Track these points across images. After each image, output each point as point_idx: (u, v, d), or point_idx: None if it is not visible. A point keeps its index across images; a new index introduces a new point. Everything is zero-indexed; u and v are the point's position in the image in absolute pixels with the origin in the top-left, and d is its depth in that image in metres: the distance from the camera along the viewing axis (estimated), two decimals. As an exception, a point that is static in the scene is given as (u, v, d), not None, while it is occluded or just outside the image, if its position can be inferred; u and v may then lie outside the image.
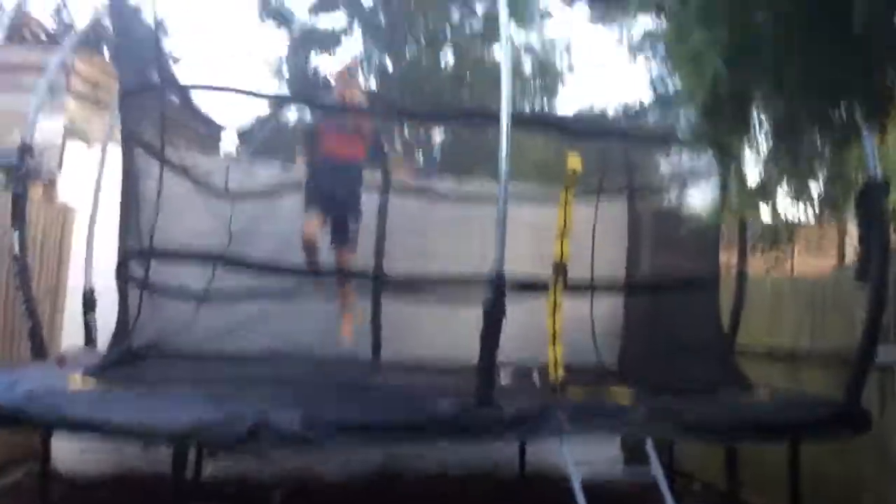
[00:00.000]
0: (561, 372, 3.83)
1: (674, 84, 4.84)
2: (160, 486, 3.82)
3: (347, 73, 4.92)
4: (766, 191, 3.61)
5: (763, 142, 3.28)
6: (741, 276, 5.05)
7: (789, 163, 3.16)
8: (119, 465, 5.10)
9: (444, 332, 5.75)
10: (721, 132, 3.06)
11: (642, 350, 5.34)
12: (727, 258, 5.58)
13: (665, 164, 6.54)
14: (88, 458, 5.01)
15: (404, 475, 5.53)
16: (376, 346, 5.43)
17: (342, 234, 4.99)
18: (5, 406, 2.97)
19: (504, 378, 4.02)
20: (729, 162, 3.49)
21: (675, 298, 5.01)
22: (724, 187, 5.16)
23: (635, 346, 5.47)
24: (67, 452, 4.61)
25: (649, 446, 3.66)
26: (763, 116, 3.09)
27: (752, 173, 3.66)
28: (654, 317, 5.34)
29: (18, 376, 3.28)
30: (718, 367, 4.62)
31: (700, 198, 6.25)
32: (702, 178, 5.54)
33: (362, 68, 10.57)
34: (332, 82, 4.93)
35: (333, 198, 4.93)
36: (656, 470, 3.58)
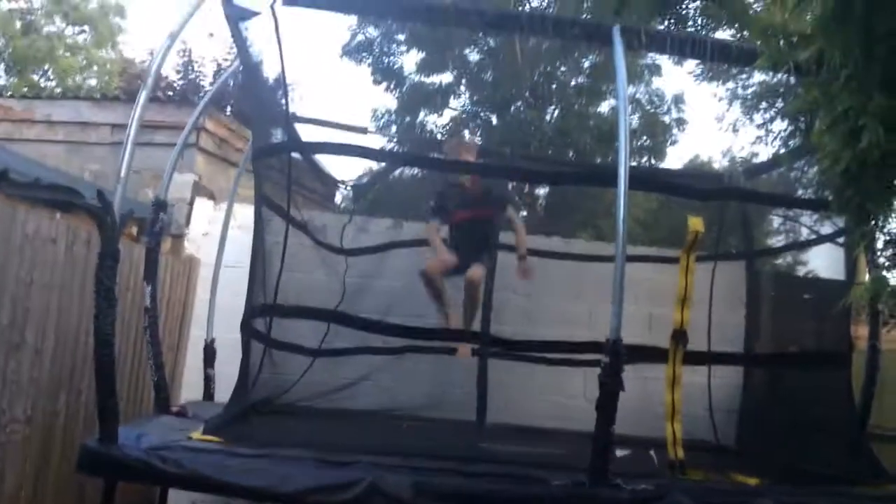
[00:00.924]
0: (681, 451, 3.63)
1: (803, 142, 4.65)
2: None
3: (463, 149, 4.89)
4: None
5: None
6: (873, 349, 4.68)
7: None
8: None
9: (552, 396, 5.67)
10: (866, 198, 2.89)
11: (763, 428, 5.01)
12: (856, 329, 5.23)
13: (786, 225, 6.27)
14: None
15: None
16: (481, 410, 5.36)
17: (475, 260, 4.74)
18: (131, 460, 3.08)
19: (619, 454, 3.85)
20: (869, 228, 3.29)
21: (802, 373, 4.69)
22: (854, 253, 4.91)
23: (755, 423, 5.16)
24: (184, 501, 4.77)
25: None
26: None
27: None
28: (775, 392, 5.03)
29: (142, 430, 3.41)
30: (849, 452, 4.26)
31: (825, 263, 5.94)
32: (828, 241, 5.26)
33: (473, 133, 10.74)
34: (449, 152, 4.93)
35: (468, 247, 4.79)
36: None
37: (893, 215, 3.16)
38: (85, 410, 4.33)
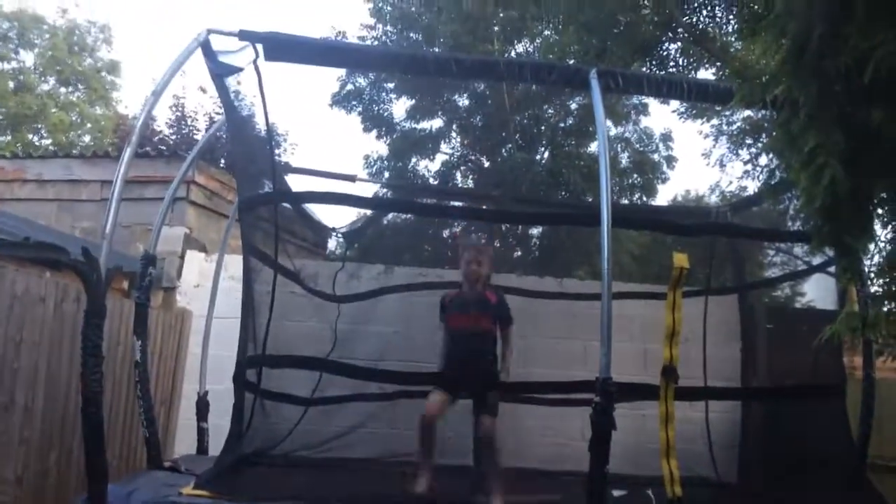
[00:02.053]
0: (678, 489, 3.58)
1: (784, 177, 4.71)
2: None
3: (477, 252, 4.48)
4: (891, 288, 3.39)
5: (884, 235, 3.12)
6: (868, 379, 4.65)
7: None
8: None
9: (552, 438, 5.62)
10: (843, 232, 2.92)
11: (763, 463, 4.95)
12: (850, 359, 5.20)
13: (776, 258, 6.30)
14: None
15: None
16: (477, 457, 5.29)
17: (482, 404, 4.17)
18: (122, 518, 3.04)
19: (616, 494, 3.80)
20: (851, 261, 3.31)
21: (797, 405, 4.66)
22: (844, 285, 4.91)
23: (755, 458, 5.10)
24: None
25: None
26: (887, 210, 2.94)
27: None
28: (774, 425, 4.98)
29: (133, 487, 3.37)
30: (849, 484, 4.21)
31: (817, 293, 5.95)
32: (817, 272, 5.29)
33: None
34: (463, 252, 4.63)
35: (466, 374, 4.33)
36: None
37: (872, 246, 3.17)
38: (77, 469, 4.27)
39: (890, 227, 3.08)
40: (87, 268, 3.02)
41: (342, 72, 11.75)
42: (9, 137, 16.41)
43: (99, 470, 3.10)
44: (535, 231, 11.67)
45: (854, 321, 3.00)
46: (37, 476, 4.03)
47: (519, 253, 11.80)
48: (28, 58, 17.89)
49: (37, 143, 16.78)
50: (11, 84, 17.02)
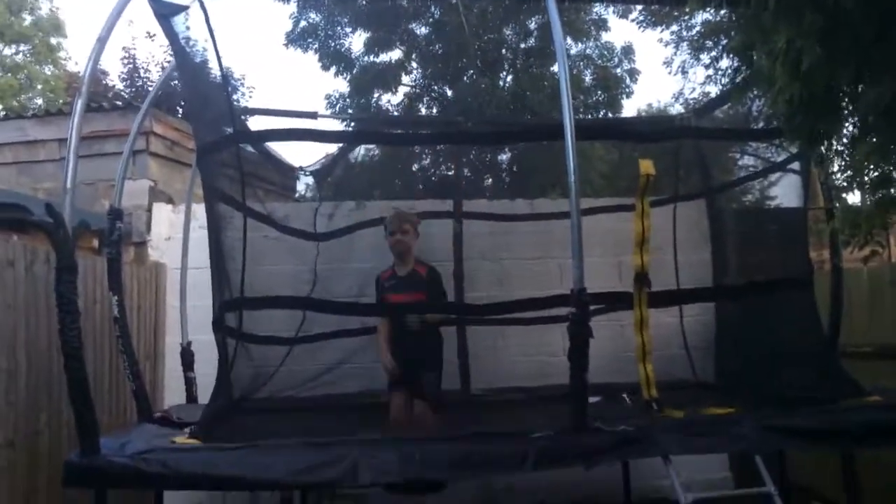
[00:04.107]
0: (654, 390, 3.70)
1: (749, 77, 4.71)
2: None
3: (402, 218, 4.64)
4: (856, 178, 3.44)
5: (852, 128, 3.15)
6: (837, 270, 4.77)
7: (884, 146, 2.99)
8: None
9: (535, 357, 5.74)
10: (817, 122, 2.94)
11: (739, 361, 5.11)
12: (818, 253, 5.32)
13: (742, 160, 6.35)
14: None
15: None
16: (465, 377, 5.41)
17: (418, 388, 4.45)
18: (116, 468, 3.08)
19: (594, 401, 3.92)
20: (821, 153, 3.35)
21: (768, 302, 4.78)
22: (807, 179, 4.99)
23: (731, 356, 5.25)
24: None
25: (760, 463, 3.49)
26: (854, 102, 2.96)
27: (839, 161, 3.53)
28: (748, 324, 5.12)
29: (127, 438, 3.42)
30: (823, 372, 4.37)
31: (782, 192, 6.03)
32: (782, 171, 5.35)
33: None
34: (386, 224, 4.67)
35: (410, 357, 4.47)
36: (770, 487, 3.40)
37: (845, 134, 3.21)
38: (68, 429, 4.28)
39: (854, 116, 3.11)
40: (52, 225, 2.98)
41: (294, 8, 11.41)
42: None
43: (89, 423, 3.14)
44: (504, 157, 11.63)
45: (853, 215, 3.04)
46: (28, 438, 4.05)
47: (490, 180, 11.79)
48: (-38, 20, 17.19)
49: (-15, 110, 16.24)
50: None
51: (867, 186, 3.28)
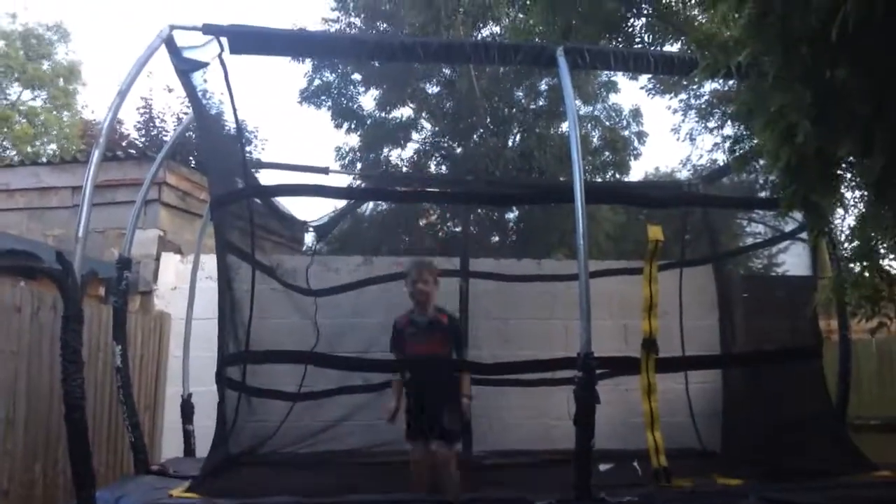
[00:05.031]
0: (663, 459, 3.64)
1: (751, 145, 4.76)
2: None
3: (426, 272, 4.32)
4: (861, 250, 3.44)
5: (851, 198, 3.17)
6: (845, 341, 4.73)
7: (889, 219, 3.00)
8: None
9: (538, 419, 5.67)
10: (809, 191, 2.96)
11: (746, 430, 5.03)
12: (826, 323, 5.28)
13: (750, 226, 6.38)
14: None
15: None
16: (467, 439, 5.32)
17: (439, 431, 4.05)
18: (112, 522, 3.03)
19: (603, 468, 3.85)
20: (820, 222, 3.36)
21: (776, 371, 4.73)
22: (815, 248, 4.99)
23: (738, 425, 5.17)
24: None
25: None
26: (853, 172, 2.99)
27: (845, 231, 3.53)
28: (755, 392, 5.06)
29: (122, 492, 3.36)
30: (830, 445, 4.30)
31: (791, 259, 6.05)
32: (790, 240, 5.37)
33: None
34: (408, 273, 4.54)
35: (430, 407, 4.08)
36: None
37: (838, 206, 3.22)
38: (64, 478, 4.23)
39: (856, 188, 3.14)
40: (61, 273, 2.99)
41: (309, 67, 11.68)
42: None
43: (86, 476, 3.08)
44: (512, 215, 11.72)
45: (841, 284, 3.04)
46: (23, 487, 3.99)
47: (496, 238, 11.84)
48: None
49: (2, 155, 16.50)
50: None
51: (851, 256, 3.29)
